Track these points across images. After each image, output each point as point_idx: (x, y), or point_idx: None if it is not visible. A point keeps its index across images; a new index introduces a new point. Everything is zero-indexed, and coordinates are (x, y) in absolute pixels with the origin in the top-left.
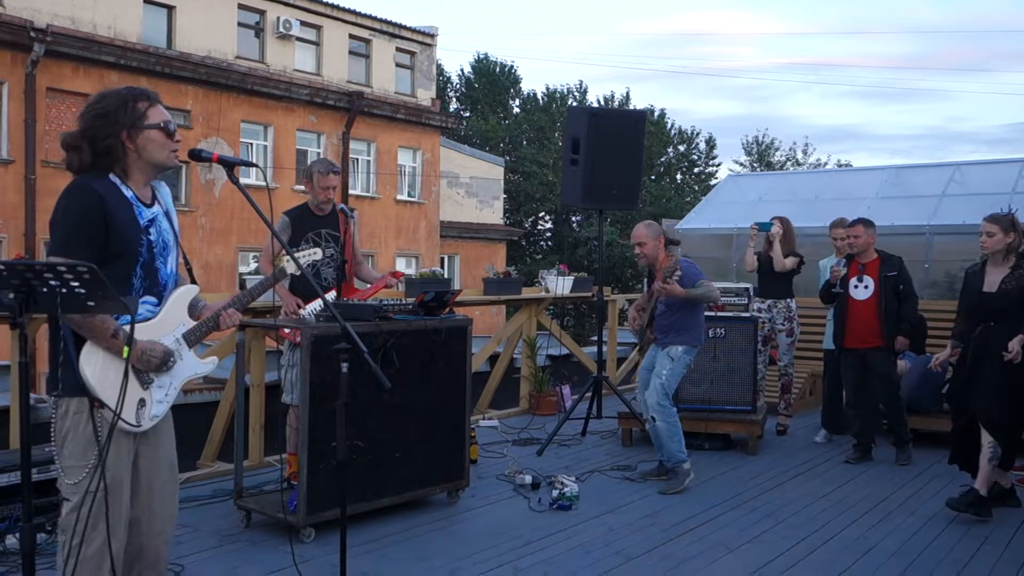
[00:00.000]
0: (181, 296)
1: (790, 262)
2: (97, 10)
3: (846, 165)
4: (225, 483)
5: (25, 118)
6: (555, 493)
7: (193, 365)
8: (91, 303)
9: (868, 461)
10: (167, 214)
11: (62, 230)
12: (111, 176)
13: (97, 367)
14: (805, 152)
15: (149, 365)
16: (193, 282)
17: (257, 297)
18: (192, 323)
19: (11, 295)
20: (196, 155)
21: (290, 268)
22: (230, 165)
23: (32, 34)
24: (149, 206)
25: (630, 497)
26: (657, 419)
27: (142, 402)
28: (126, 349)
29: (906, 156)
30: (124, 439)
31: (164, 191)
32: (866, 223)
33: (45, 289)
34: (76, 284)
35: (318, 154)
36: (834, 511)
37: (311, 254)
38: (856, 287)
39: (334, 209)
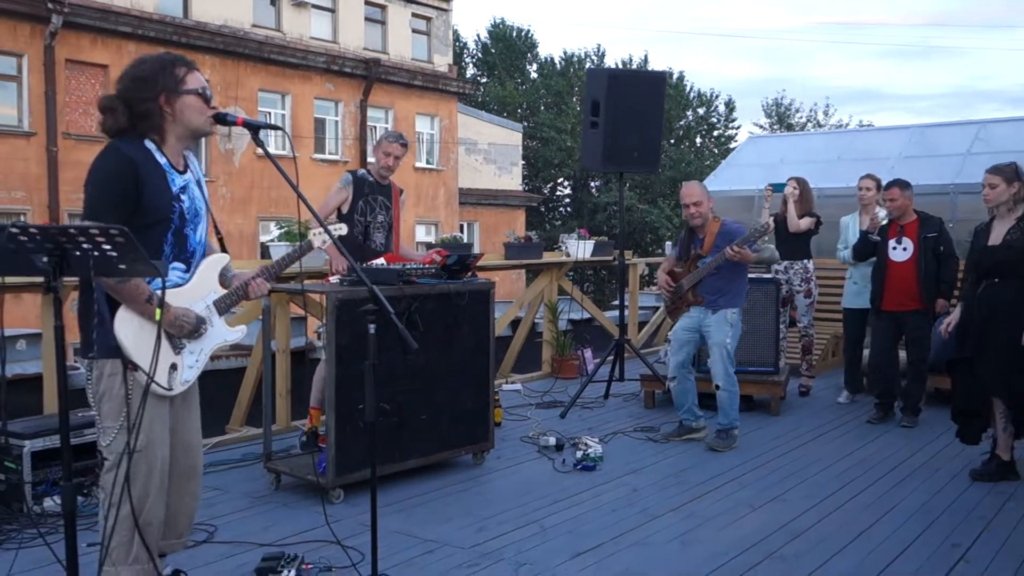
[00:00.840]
0: (212, 264)
1: (805, 223)
2: None
3: (868, 125)
4: (254, 447)
5: (45, 90)
6: (579, 454)
7: (222, 332)
8: (123, 266)
9: (891, 420)
10: (198, 182)
11: (94, 193)
12: (146, 142)
13: (131, 330)
14: (826, 113)
15: (182, 331)
16: (224, 251)
17: (286, 268)
18: (222, 291)
19: (45, 259)
20: (221, 119)
21: (316, 242)
22: (255, 128)
23: (50, 5)
24: (182, 173)
25: (654, 458)
26: (723, 387)
27: (173, 367)
28: (158, 312)
29: (929, 116)
30: (159, 402)
31: (194, 161)
32: (902, 184)
33: (78, 253)
34: (108, 247)
35: (336, 122)
36: (857, 470)
37: (338, 228)
38: (895, 248)
39: (390, 183)
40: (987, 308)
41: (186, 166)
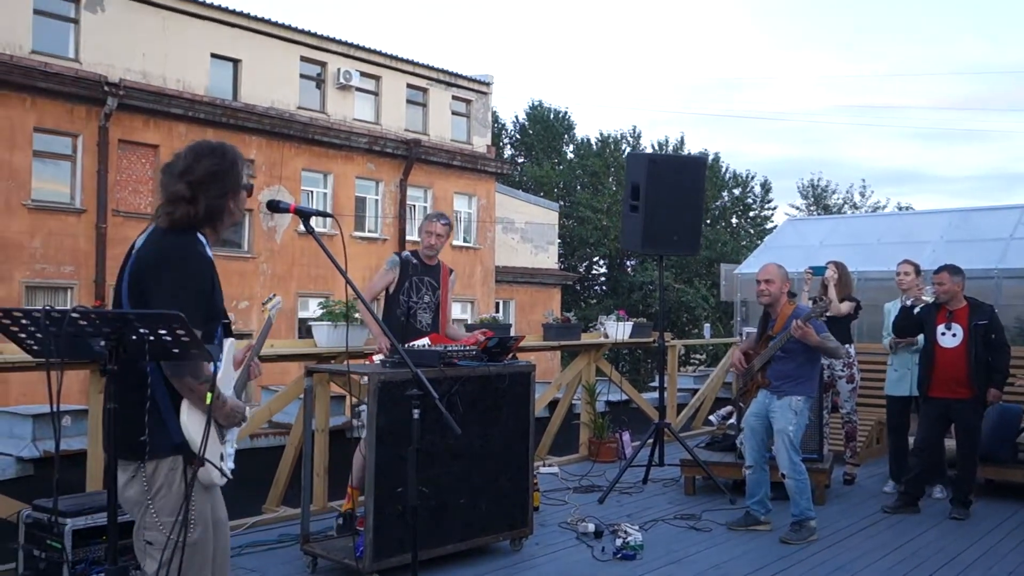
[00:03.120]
0: (228, 349)
1: (846, 307)
2: (167, 64)
3: (906, 207)
4: (291, 528)
5: (98, 169)
6: (619, 542)
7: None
8: (176, 350)
9: (913, 512)
10: None
11: (187, 295)
12: (199, 234)
13: (197, 425)
14: (862, 195)
15: (234, 422)
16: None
17: (261, 348)
18: (236, 374)
19: (103, 343)
20: (274, 206)
21: (271, 311)
22: (307, 216)
23: (106, 88)
24: None
25: (696, 547)
26: (788, 475)
27: (222, 456)
28: (209, 395)
29: (969, 198)
30: (206, 494)
31: None
32: (952, 270)
33: (134, 337)
34: (164, 332)
35: (376, 201)
36: (906, 565)
37: (276, 304)
38: (944, 334)
39: (439, 263)
40: None
41: None
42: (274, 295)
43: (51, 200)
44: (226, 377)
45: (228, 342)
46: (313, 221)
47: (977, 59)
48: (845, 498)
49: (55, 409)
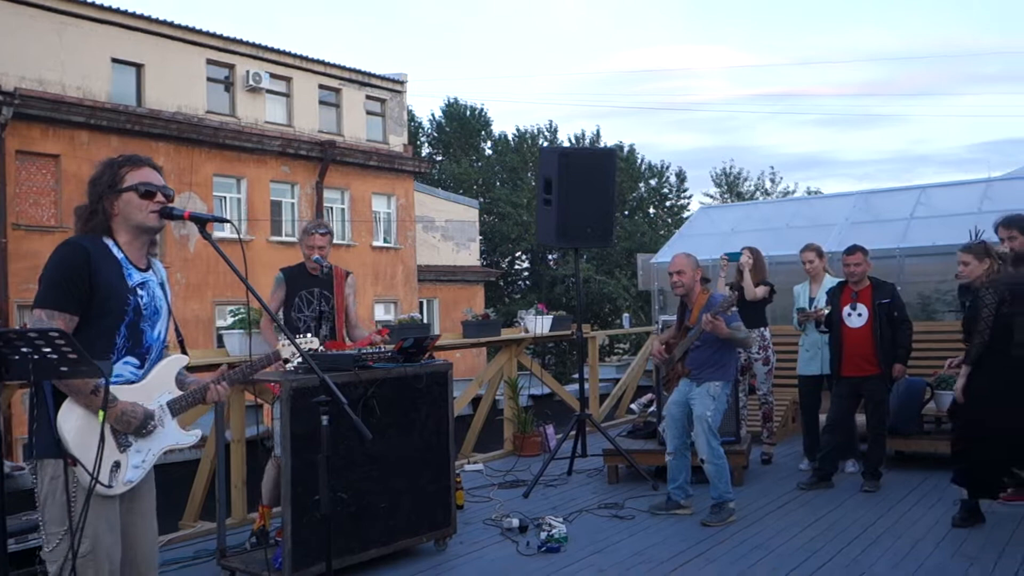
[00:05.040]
0: (169, 364)
1: (761, 291)
2: (65, 71)
3: (816, 192)
4: (208, 543)
5: None
6: (543, 535)
7: (175, 434)
8: (64, 368)
9: (827, 487)
10: (161, 285)
11: (46, 282)
12: (104, 238)
13: (74, 424)
14: (773, 181)
15: (128, 427)
16: (184, 353)
17: (251, 375)
18: (178, 392)
19: None
20: (168, 213)
21: (285, 353)
22: (202, 222)
23: (0, 97)
24: (142, 270)
25: (619, 536)
26: (707, 460)
27: (116, 464)
28: (101, 413)
29: (873, 180)
30: (105, 504)
31: (160, 267)
32: (863, 250)
33: (17, 357)
34: (48, 350)
35: (292, 205)
36: (823, 538)
37: (309, 342)
38: (849, 315)
39: (331, 270)
40: None
41: (148, 266)
42: (312, 338)
43: None
44: (153, 390)
45: (173, 358)
46: (229, 229)
47: (876, 46)
48: (763, 478)
49: None
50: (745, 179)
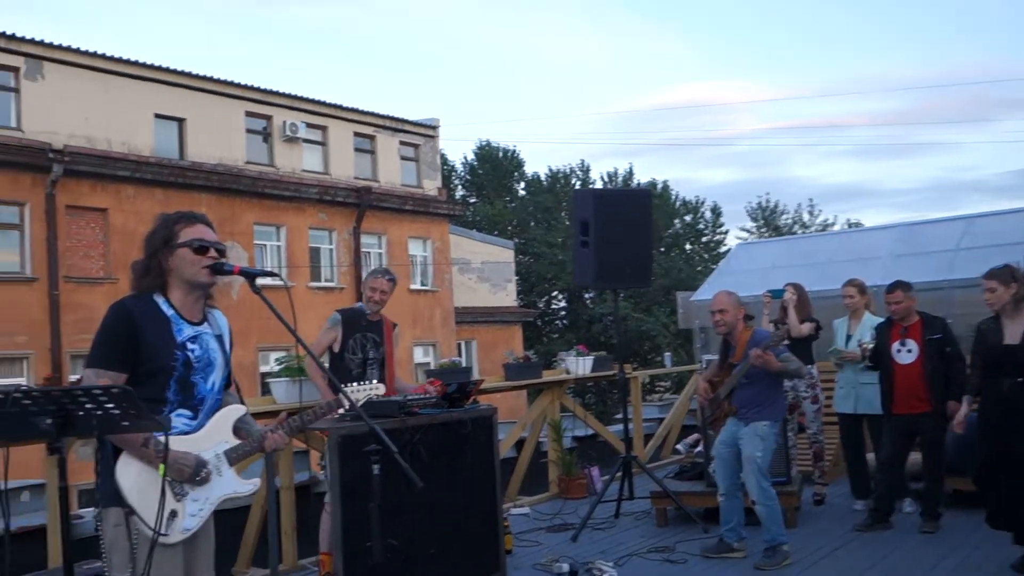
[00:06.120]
0: (226, 415)
1: (807, 327)
2: (111, 128)
3: (856, 224)
4: None
5: (47, 236)
6: None
7: (232, 483)
8: (126, 423)
9: (885, 528)
10: (219, 337)
11: (95, 342)
12: (154, 295)
13: (132, 476)
14: (811, 213)
15: (181, 475)
16: (241, 403)
17: (310, 424)
18: (236, 442)
19: (48, 421)
20: (219, 269)
21: (347, 403)
22: (251, 276)
23: (51, 155)
24: (195, 323)
25: None
26: (758, 502)
27: (173, 513)
28: (162, 467)
29: (914, 210)
30: (166, 551)
31: (220, 318)
32: (904, 286)
33: (81, 412)
34: (111, 405)
35: (331, 251)
36: None
37: (374, 388)
38: (899, 351)
39: (382, 319)
40: (1014, 407)
41: (204, 318)
42: (378, 384)
43: (1, 271)
44: (209, 440)
45: (230, 408)
46: (273, 277)
47: (910, 75)
48: (817, 519)
49: (3, 488)
50: (782, 212)
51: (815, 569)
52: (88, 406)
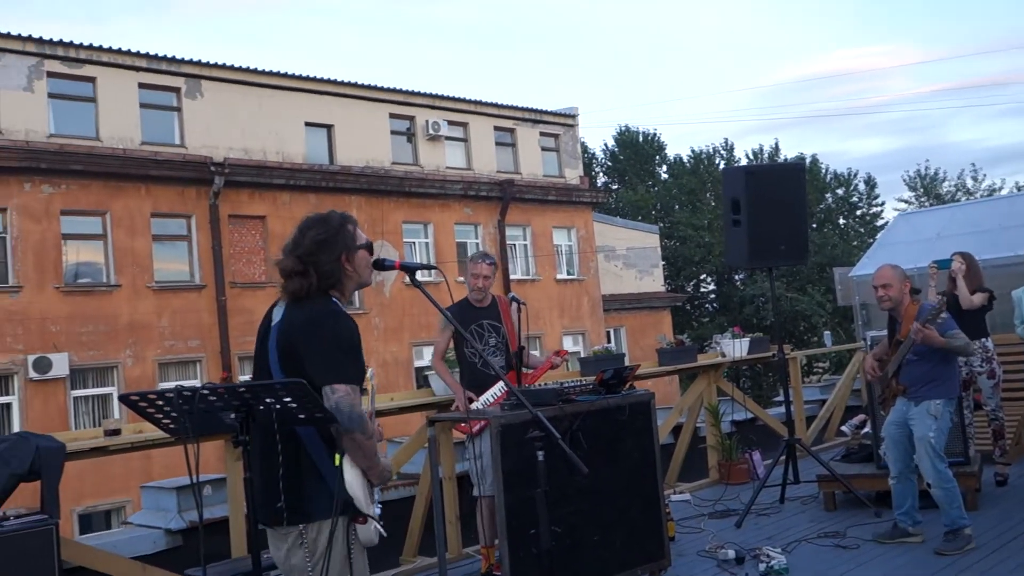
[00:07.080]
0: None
1: (979, 298)
2: (266, 138)
3: None
4: None
5: (212, 245)
6: (762, 567)
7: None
8: (302, 416)
9: None
10: None
11: (346, 362)
12: (333, 299)
13: (359, 483)
14: (975, 179)
15: (385, 481)
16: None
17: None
18: None
19: (232, 415)
20: (380, 264)
21: (372, 382)
22: (412, 270)
23: (212, 168)
24: None
25: (845, 566)
26: (934, 485)
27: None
28: (337, 457)
29: None
30: (362, 556)
31: None
32: None
33: (262, 407)
34: (288, 399)
35: (476, 245)
36: None
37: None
38: None
39: (493, 300)
40: None
41: None
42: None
43: (173, 280)
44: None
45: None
46: (419, 272)
47: None
48: (1000, 501)
49: (195, 481)
50: (943, 180)
51: (1001, 553)
52: (268, 400)
